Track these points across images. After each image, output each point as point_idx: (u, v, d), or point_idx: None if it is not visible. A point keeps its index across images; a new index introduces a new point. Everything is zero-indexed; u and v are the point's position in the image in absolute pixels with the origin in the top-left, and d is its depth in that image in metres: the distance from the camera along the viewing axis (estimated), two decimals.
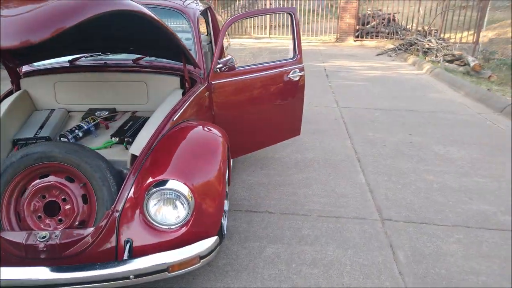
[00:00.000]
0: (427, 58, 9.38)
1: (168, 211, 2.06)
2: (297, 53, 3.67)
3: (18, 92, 2.71)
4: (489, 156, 4.14)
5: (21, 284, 1.79)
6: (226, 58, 3.06)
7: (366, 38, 12.88)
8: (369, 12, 13.20)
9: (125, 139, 2.45)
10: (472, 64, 7.76)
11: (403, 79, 7.88)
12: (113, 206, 2.02)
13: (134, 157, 2.20)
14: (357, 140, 4.56)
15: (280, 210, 3.07)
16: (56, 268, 1.84)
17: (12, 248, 1.93)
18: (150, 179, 2.06)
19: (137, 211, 2.04)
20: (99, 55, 2.95)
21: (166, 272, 1.92)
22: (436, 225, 2.89)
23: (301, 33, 13.27)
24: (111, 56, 2.99)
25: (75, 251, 1.95)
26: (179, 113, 2.48)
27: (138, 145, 2.23)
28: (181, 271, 1.96)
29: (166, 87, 2.85)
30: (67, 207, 2.14)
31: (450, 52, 8.84)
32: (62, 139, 2.44)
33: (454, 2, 11.98)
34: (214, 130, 2.53)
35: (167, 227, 2.04)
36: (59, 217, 2.13)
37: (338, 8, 13.33)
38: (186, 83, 2.83)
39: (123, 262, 1.90)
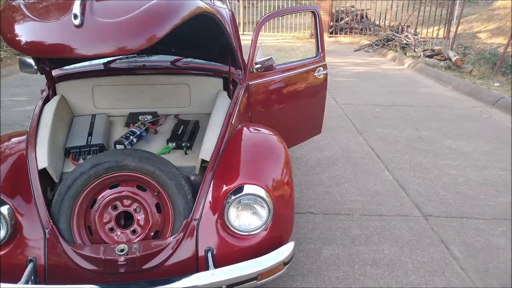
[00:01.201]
0: (407, 53, 9.65)
1: (248, 216, 1.98)
2: (320, 51, 3.64)
3: (57, 98, 2.51)
4: (497, 148, 4.30)
5: None
6: (265, 58, 2.97)
7: (340, 34, 13.08)
8: (342, 9, 13.40)
9: (183, 144, 2.33)
10: (453, 59, 8.05)
11: (389, 74, 8.06)
12: (191, 215, 1.92)
13: (203, 162, 2.10)
14: (368, 136, 4.60)
15: (322, 211, 3.03)
16: (149, 283, 1.73)
17: (89, 263, 1.80)
18: (226, 186, 1.98)
19: (215, 219, 1.95)
20: (134, 57, 2.78)
21: (256, 281, 1.85)
22: (476, 219, 2.96)
23: (266, 30, 13.36)
24: (146, 58, 2.84)
25: (155, 263, 1.85)
26: (234, 116, 2.39)
27: (207, 150, 2.12)
28: (268, 278, 1.89)
29: (209, 89, 2.74)
30: (140, 217, 2.00)
31: (430, 47, 9.13)
32: (118, 146, 2.28)
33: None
34: (271, 132, 2.45)
35: (246, 234, 1.96)
36: (132, 228, 2.00)
37: (312, 4, 13.43)
38: (231, 85, 2.72)
39: (216, 272, 1.80)
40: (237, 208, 1.95)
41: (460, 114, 5.52)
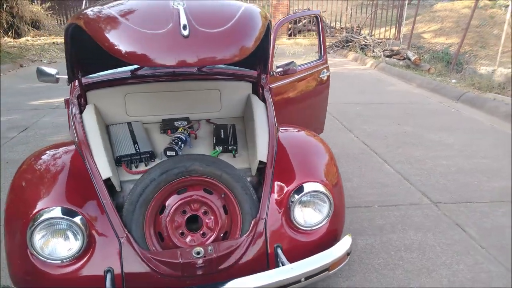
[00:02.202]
0: (367, 53, 10.18)
1: (311, 213, 2.11)
2: (323, 54, 3.84)
3: (91, 107, 2.47)
4: (474, 139, 4.75)
5: None
6: (286, 62, 3.11)
7: (298, 36, 13.47)
8: (298, 11, 13.80)
9: (229, 148, 2.40)
10: (413, 58, 8.64)
11: (355, 74, 8.48)
12: (258, 214, 2.01)
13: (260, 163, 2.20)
14: (359, 133, 4.89)
15: None
16: (238, 281, 1.80)
17: (167, 268, 1.84)
18: (288, 185, 2.10)
19: (281, 217, 2.06)
20: None
21: (327, 271, 1.98)
22: (478, 203, 3.29)
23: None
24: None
25: (229, 263, 1.92)
26: (274, 118, 2.50)
27: (263, 152, 2.22)
28: (337, 268, 2.02)
29: (238, 94, 2.82)
30: (209, 220, 2.06)
31: (389, 48, 9.70)
32: (169, 152, 2.31)
33: (385, 2, 13.09)
34: (308, 131, 2.60)
35: (309, 229, 2.09)
36: (202, 231, 2.05)
37: (270, 7, 13.72)
38: (260, 89, 2.83)
39: (295, 266, 1.90)
40: (301, 206, 2.07)
41: (432, 109, 5.99)
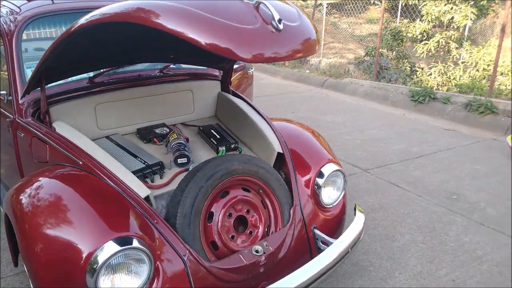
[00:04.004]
0: None
1: (332, 191, 2.37)
2: None
3: (63, 123, 2.16)
4: (356, 116, 5.67)
5: None
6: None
7: None
8: None
9: (232, 146, 2.43)
10: None
11: None
12: (294, 202, 2.17)
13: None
14: None
15: None
16: (316, 261, 1.92)
17: (233, 274, 1.83)
18: (309, 172, 2.31)
19: (309, 200, 2.26)
20: (111, 69, 2.54)
21: (360, 239, 2.28)
22: (392, 164, 4.05)
23: None
24: (127, 69, 2.63)
25: (284, 253, 2.01)
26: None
27: (278, 144, 2.34)
28: (362, 235, 2.33)
29: (209, 93, 2.82)
30: (253, 217, 2.07)
31: None
32: (180, 160, 2.20)
33: None
34: (288, 120, 2.82)
35: (331, 206, 2.35)
36: (249, 230, 2.05)
37: None
38: (229, 85, 2.89)
39: (343, 239, 2.12)
40: (326, 188, 2.31)
41: (308, 96, 6.82)
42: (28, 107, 2.21)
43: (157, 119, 2.59)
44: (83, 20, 1.63)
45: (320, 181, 2.26)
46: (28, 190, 1.81)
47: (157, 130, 2.49)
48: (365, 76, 7.77)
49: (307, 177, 2.28)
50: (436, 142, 4.67)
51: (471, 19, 8.34)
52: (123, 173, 1.88)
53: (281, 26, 1.50)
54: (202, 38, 1.43)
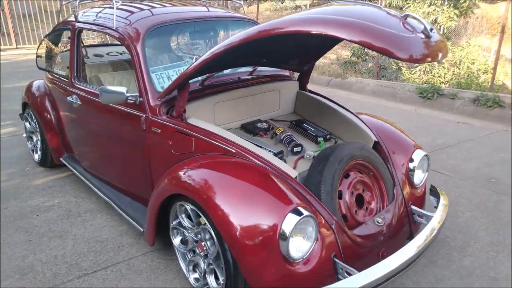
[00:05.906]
0: None
1: (420, 173, 2.67)
2: None
3: (196, 120, 2.45)
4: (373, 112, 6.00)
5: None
6: None
7: None
8: None
9: (328, 137, 2.72)
10: None
11: None
12: (396, 182, 2.47)
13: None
14: None
15: None
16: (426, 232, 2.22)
17: (367, 241, 2.14)
18: (401, 157, 2.63)
19: (405, 180, 2.58)
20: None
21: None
22: None
23: None
24: (226, 72, 2.92)
25: (394, 224, 2.33)
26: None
27: (372, 134, 2.64)
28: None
29: (290, 92, 3.11)
30: (368, 196, 2.37)
31: None
32: (295, 148, 2.47)
33: None
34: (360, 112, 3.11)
35: (418, 185, 2.66)
36: (366, 207, 2.34)
37: None
38: (306, 85, 3.18)
39: (438, 211, 2.44)
40: (417, 171, 2.62)
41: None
42: (161, 106, 2.49)
43: (253, 115, 2.90)
44: (244, 34, 1.92)
45: (411, 164, 2.57)
46: (203, 174, 2.09)
47: (258, 125, 2.76)
48: (366, 75, 8.19)
49: (401, 161, 2.60)
50: (455, 134, 5.06)
51: (454, 20, 8.92)
52: (271, 158, 2.15)
53: (431, 34, 1.79)
54: (377, 43, 1.69)
